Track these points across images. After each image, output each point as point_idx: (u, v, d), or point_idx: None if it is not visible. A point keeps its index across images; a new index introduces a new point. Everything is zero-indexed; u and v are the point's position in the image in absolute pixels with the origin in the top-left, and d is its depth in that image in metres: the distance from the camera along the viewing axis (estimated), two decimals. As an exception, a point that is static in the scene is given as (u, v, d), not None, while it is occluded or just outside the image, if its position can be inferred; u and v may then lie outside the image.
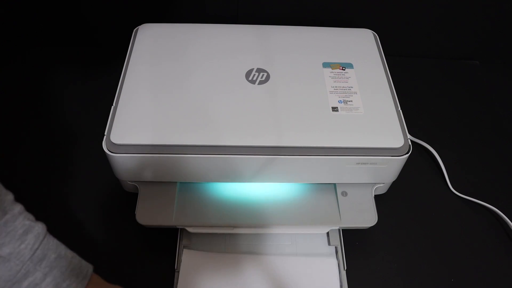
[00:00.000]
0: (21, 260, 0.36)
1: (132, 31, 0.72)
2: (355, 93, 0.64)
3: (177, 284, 0.60)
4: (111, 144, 0.57)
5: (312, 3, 0.85)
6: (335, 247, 0.64)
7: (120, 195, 0.69)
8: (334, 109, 0.61)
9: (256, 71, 0.66)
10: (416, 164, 0.76)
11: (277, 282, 0.61)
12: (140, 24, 0.73)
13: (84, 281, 0.41)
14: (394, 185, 0.68)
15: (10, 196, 0.39)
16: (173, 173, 0.61)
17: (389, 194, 0.70)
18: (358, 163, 0.59)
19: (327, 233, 0.65)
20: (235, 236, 0.64)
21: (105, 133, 0.59)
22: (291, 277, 0.62)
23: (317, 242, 0.65)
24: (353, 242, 0.66)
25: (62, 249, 0.41)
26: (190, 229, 0.62)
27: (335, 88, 0.64)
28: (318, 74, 0.66)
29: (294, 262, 0.63)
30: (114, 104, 0.61)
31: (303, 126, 0.59)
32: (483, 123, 0.83)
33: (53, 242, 0.40)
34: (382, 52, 0.71)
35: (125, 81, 0.64)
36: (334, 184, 0.66)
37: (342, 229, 0.65)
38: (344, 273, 0.62)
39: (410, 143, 0.60)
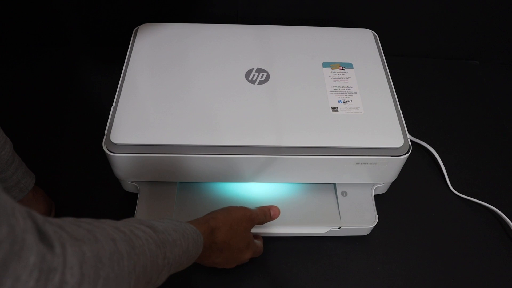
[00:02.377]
0: None
1: (132, 31, 0.72)
2: (355, 93, 0.64)
3: None
4: (111, 144, 0.57)
5: (312, 3, 0.85)
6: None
7: (120, 195, 0.69)
8: (334, 109, 0.61)
9: (256, 71, 0.66)
10: (416, 164, 0.76)
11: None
12: (140, 24, 0.73)
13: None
14: (394, 185, 0.68)
15: None
16: (173, 173, 0.61)
17: (389, 194, 0.70)
18: (358, 163, 0.59)
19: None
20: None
21: (105, 133, 0.59)
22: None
23: None
24: (353, 242, 0.66)
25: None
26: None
27: (335, 88, 0.64)
28: (318, 74, 0.66)
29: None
30: (114, 104, 0.61)
31: (303, 126, 0.59)
32: (483, 123, 0.83)
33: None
34: (382, 52, 0.72)
35: (125, 81, 0.64)
36: (334, 184, 0.66)
37: (342, 235, 0.65)
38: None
39: (410, 143, 0.60)
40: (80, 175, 0.72)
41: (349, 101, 0.63)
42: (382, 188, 0.68)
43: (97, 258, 0.29)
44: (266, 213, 0.58)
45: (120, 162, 0.59)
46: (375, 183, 0.66)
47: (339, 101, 0.62)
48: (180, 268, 0.43)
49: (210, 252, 0.49)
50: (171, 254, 0.39)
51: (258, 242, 0.60)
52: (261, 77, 0.65)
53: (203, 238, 0.47)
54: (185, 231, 0.43)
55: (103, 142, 0.58)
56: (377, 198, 0.67)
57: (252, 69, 0.66)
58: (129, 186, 0.66)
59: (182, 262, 0.42)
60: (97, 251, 0.29)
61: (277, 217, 0.59)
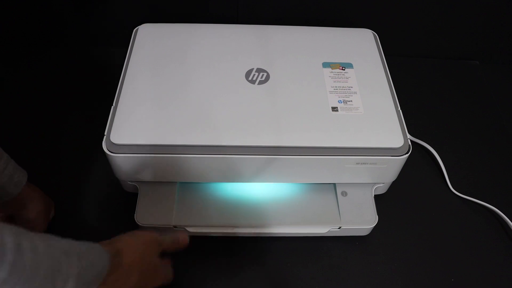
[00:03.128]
0: None
1: (132, 31, 0.73)
2: (355, 93, 0.64)
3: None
4: (111, 144, 0.57)
5: (312, 3, 0.85)
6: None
7: (120, 195, 0.69)
8: (334, 109, 0.61)
9: (256, 71, 0.66)
10: (416, 164, 0.76)
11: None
12: (140, 24, 0.73)
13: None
14: (394, 185, 0.68)
15: None
16: (173, 173, 0.61)
17: (389, 194, 0.70)
18: (358, 163, 0.59)
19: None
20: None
21: (105, 133, 0.59)
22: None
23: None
24: (353, 242, 0.66)
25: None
26: (190, 229, 0.62)
27: (335, 88, 0.64)
28: (318, 74, 0.66)
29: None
30: (114, 104, 0.61)
31: (303, 126, 0.59)
32: (483, 123, 0.83)
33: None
34: (382, 52, 0.72)
35: (125, 81, 0.64)
36: (334, 184, 0.66)
37: (342, 235, 0.65)
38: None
39: (410, 143, 0.60)
40: (80, 175, 0.72)
41: (349, 101, 0.63)
42: (382, 188, 0.68)
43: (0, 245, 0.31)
44: (175, 239, 0.55)
45: (120, 162, 0.59)
46: (375, 183, 0.66)
47: (339, 101, 0.62)
48: (89, 284, 0.41)
49: (118, 276, 0.46)
50: (77, 263, 0.38)
51: (167, 268, 0.56)
52: (261, 77, 0.65)
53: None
54: (89, 245, 0.43)
55: (103, 142, 0.58)
56: (377, 198, 0.67)
57: (252, 69, 0.66)
58: (129, 186, 0.66)
59: (89, 276, 0.41)
60: (1, 238, 0.31)
61: (187, 241, 0.56)
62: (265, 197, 0.65)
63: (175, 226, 0.61)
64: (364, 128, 0.60)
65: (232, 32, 0.72)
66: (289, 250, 0.65)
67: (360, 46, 0.72)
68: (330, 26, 0.75)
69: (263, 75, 0.65)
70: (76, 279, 0.38)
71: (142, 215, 0.62)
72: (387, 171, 0.62)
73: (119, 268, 0.46)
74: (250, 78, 0.65)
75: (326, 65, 0.67)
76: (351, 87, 0.65)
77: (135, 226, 0.62)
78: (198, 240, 0.63)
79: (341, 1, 0.84)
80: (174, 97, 0.62)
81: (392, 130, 0.60)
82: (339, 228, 0.63)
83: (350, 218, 0.63)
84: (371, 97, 0.64)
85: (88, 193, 0.70)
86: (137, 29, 0.73)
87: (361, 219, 0.63)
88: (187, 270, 0.62)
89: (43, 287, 0.35)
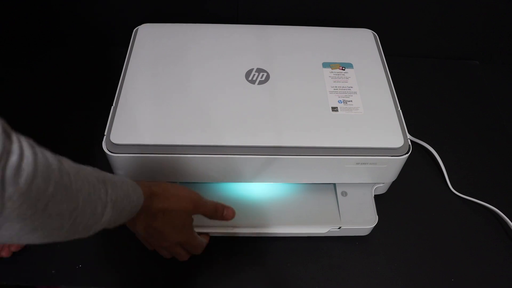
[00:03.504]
0: None
1: (132, 31, 0.73)
2: (355, 93, 0.64)
3: None
4: (111, 144, 0.57)
5: (312, 3, 0.85)
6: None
7: (120, 195, 0.69)
8: (334, 109, 0.61)
9: (256, 71, 0.66)
10: (416, 164, 0.76)
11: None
12: (140, 24, 0.73)
13: None
14: (394, 185, 0.68)
15: None
16: (173, 173, 0.61)
17: (389, 194, 0.70)
18: (358, 163, 0.59)
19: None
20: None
21: (105, 133, 0.59)
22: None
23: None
24: (353, 242, 0.66)
25: None
26: (190, 229, 0.62)
27: (335, 88, 0.64)
28: (318, 74, 0.66)
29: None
30: (114, 104, 0.62)
31: (303, 126, 0.59)
32: (483, 123, 0.83)
33: None
34: (382, 52, 0.72)
35: (125, 81, 0.64)
36: (334, 184, 0.66)
37: (342, 235, 0.65)
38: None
39: (410, 143, 0.60)
40: (80, 175, 0.72)
41: (349, 101, 0.63)
42: (382, 188, 0.68)
43: (47, 163, 0.32)
44: (218, 209, 0.55)
45: (120, 162, 0.59)
46: (375, 183, 0.66)
47: (339, 101, 0.62)
48: (123, 216, 0.43)
49: (145, 216, 0.48)
50: (113, 192, 0.40)
51: (200, 238, 0.56)
52: (261, 77, 0.65)
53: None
54: (123, 179, 0.45)
55: (103, 142, 0.58)
56: (377, 198, 0.67)
57: (252, 69, 0.66)
58: (129, 186, 0.66)
59: (125, 206, 0.43)
60: (47, 158, 0.33)
61: (230, 219, 0.56)
62: (265, 197, 0.65)
63: (175, 226, 0.61)
64: (364, 128, 0.60)
65: (232, 32, 0.72)
66: (289, 250, 0.65)
67: (360, 46, 0.72)
68: (330, 26, 0.75)
69: (263, 75, 0.65)
70: (113, 206, 0.40)
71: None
72: (387, 171, 0.62)
73: (148, 209, 0.48)
74: (250, 78, 0.65)
75: (326, 65, 0.67)
76: (351, 87, 0.65)
77: (135, 226, 0.62)
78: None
79: (341, 1, 0.84)
80: (174, 97, 0.62)
81: (392, 130, 0.60)
82: (339, 228, 0.63)
83: (350, 218, 0.63)
84: (371, 97, 0.64)
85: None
86: (137, 29, 0.73)
87: (361, 219, 0.63)
88: (187, 270, 0.62)
89: (86, 208, 0.36)
